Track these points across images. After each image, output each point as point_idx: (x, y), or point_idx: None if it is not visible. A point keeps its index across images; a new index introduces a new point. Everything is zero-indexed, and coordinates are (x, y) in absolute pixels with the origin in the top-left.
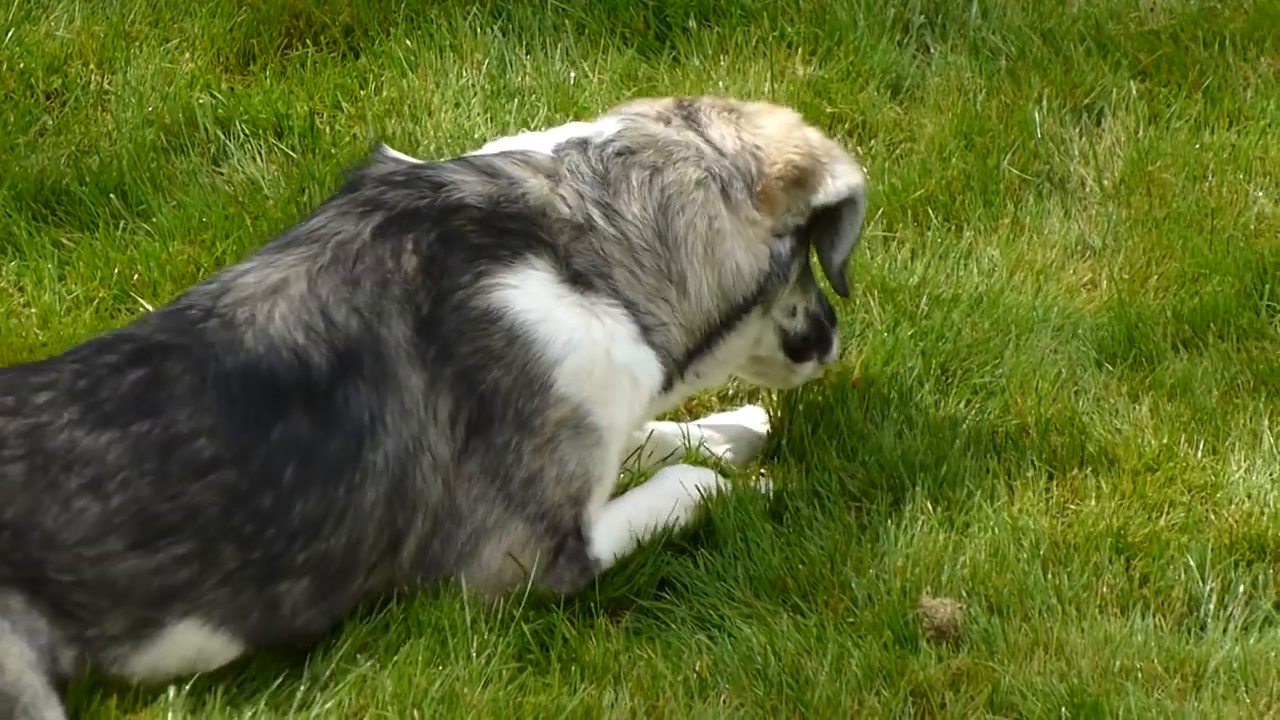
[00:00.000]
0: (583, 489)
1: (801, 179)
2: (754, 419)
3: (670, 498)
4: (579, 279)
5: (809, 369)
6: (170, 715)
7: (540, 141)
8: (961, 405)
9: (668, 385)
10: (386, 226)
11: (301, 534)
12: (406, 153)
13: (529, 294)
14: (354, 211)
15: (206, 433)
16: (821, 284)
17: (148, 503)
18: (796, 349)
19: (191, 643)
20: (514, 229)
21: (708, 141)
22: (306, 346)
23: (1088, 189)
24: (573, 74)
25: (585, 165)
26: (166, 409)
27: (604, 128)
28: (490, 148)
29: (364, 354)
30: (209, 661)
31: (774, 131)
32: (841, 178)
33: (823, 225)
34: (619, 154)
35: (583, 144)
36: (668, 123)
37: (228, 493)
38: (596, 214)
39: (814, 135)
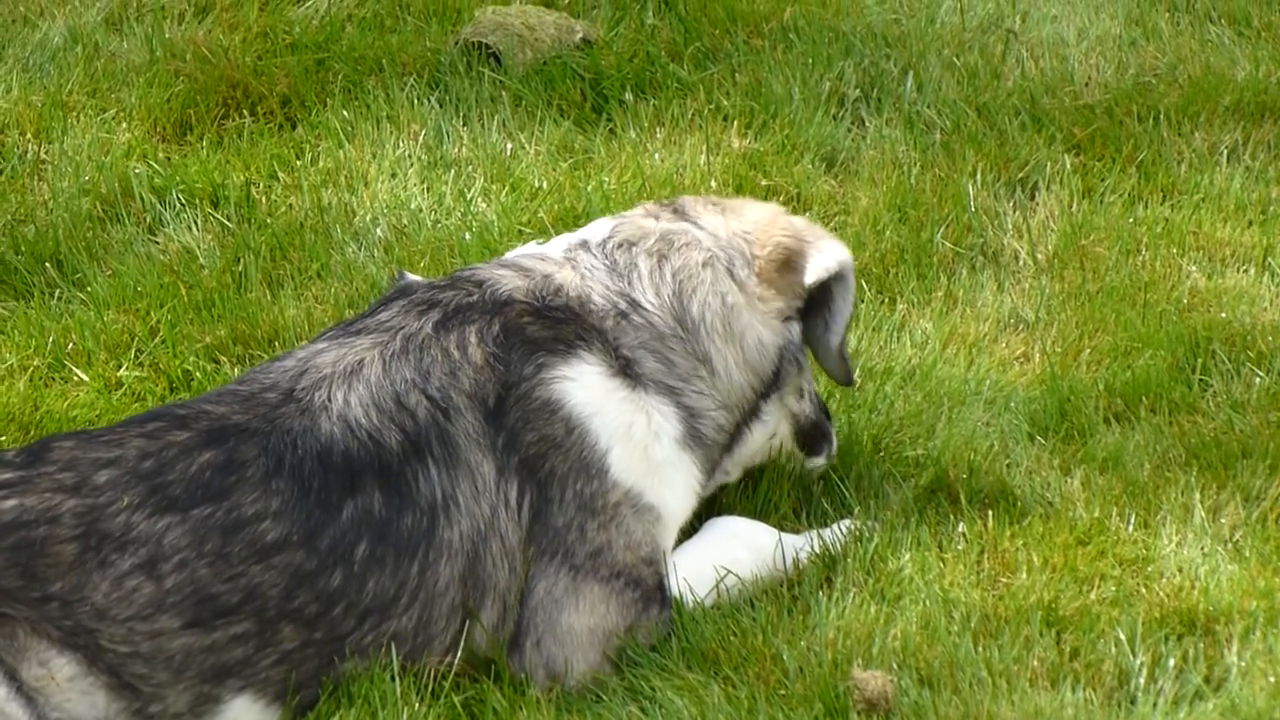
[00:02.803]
0: (654, 553)
1: (790, 260)
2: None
3: (727, 538)
4: (629, 368)
5: (820, 462)
6: None
7: (546, 248)
8: (893, 477)
9: (705, 484)
10: (446, 321)
11: (373, 613)
12: (341, 224)
13: (584, 386)
14: (413, 310)
15: (272, 515)
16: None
17: (204, 584)
18: (807, 435)
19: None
20: (564, 319)
21: (701, 229)
22: (380, 428)
23: (1021, 262)
24: (509, 145)
25: (595, 261)
26: (233, 493)
27: (597, 229)
28: (511, 254)
29: (434, 438)
30: None
31: (759, 218)
32: (828, 253)
33: (816, 309)
34: (620, 246)
35: (585, 244)
36: (657, 218)
37: (291, 574)
38: (623, 304)
39: (798, 220)
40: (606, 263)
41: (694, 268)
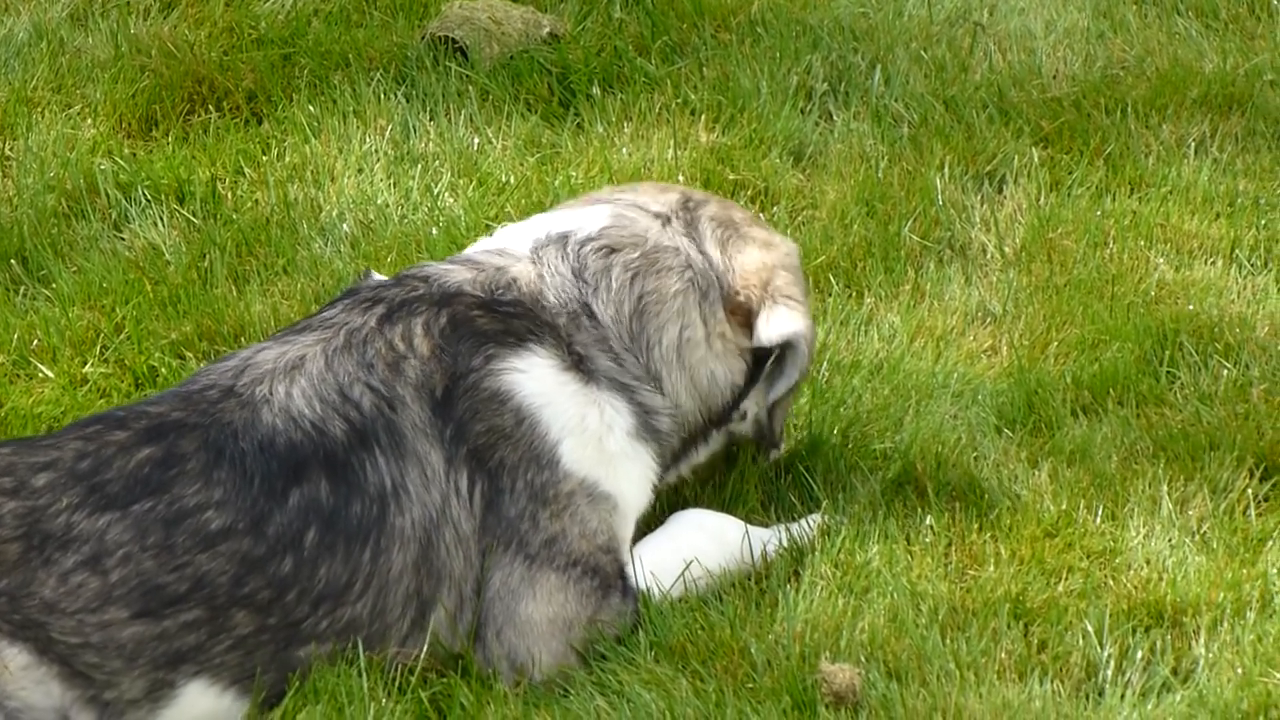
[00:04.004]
0: (611, 541)
1: (747, 318)
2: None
3: (693, 529)
4: (582, 363)
5: (775, 454)
6: None
7: (518, 238)
8: (861, 470)
9: (660, 476)
10: (390, 314)
11: (326, 599)
12: (308, 219)
13: (535, 379)
14: (358, 306)
15: (215, 505)
16: None
17: (150, 575)
18: (765, 438)
19: (201, 705)
20: (515, 313)
21: (700, 252)
22: (324, 418)
23: (989, 256)
24: (476, 140)
25: (562, 264)
26: (174, 486)
27: (589, 221)
28: (471, 249)
29: (381, 429)
30: None
31: (746, 264)
32: (775, 327)
33: (775, 364)
34: (600, 250)
35: (562, 239)
36: (666, 223)
37: (240, 560)
38: (577, 308)
39: (782, 278)
40: (575, 266)
41: (665, 294)
